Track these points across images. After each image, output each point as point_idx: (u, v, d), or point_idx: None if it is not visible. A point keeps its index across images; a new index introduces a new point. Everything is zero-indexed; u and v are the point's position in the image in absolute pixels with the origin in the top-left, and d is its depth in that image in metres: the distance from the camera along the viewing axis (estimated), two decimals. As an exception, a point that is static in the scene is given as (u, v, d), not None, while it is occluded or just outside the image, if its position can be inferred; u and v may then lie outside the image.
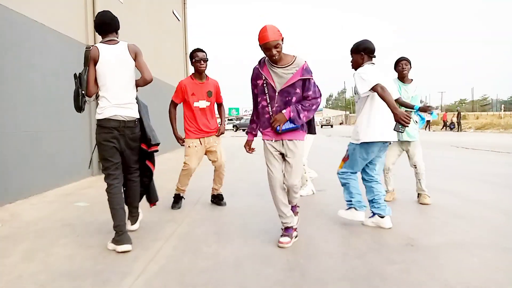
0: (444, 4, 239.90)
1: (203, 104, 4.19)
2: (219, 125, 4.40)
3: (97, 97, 3.07)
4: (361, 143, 3.38)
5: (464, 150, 11.98)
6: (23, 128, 4.94)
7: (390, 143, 3.50)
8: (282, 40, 2.86)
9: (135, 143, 3.16)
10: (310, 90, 2.98)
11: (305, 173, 4.93)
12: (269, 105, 3.03)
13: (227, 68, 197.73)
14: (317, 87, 3.04)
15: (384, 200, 3.56)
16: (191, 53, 4.19)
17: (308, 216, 3.94)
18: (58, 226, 3.64)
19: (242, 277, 2.46)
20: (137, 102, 3.19)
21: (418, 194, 4.48)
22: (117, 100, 3.01)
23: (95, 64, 2.98)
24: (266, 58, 2.99)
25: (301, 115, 2.95)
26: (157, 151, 3.31)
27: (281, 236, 3.06)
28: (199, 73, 4.18)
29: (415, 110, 4.00)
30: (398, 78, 4.42)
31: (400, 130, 4.02)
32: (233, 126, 44.12)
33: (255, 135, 3.32)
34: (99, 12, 3.16)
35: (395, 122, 3.15)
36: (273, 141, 3.06)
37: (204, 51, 4.18)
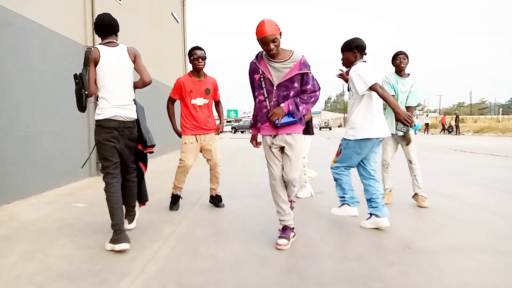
0: (444, 4, 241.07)
1: (200, 101, 4.20)
2: (217, 124, 4.41)
3: (96, 98, 3.10)
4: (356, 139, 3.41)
5: (463, 153, 12.02)
6: (22, 128, 4.94)
7: (383, 139, 3.54)
8: (280, 34, 2.85)
9: (133, 143, 3.22)
10: (309, 84, 2.98)
11: (304, 175, 4.94)
12: (267, 99, 3.02)
13: (227, 68, 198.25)
14: (316, 80, 3.05)
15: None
16: (189, 50, 4.19)
17: (306, 218, 3.95)
18: (57, 227, 3.64)
19: (241, 279, 2.46)
20: (134, 104, 3.23)
21: (415, 194, 4.49)
22: (117, 101, 3.04)
23: (95, 65, 3.01)
24: (264, 52, 2.98)
25: (300, 108, 2.96)
26: (152, 152, 3.36)
27: (279, 237, 3.06)
28: (197, 71, 4.19)
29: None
30: (395, 72, 4.45)
31: (402, 130, 4.08)
32: (232, 128, 44.14)
33: (259, 129, 3.32)
34: (99, 14, 3.18)
35: (396, 121, 3.19)
36: (272, 136, 3.05)
37: (202, 49, 4.18)
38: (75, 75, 2.97)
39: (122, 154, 3.15)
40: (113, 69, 3.05)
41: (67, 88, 5.77)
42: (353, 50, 3.46)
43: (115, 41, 3.15)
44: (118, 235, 2.93)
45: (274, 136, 3.05)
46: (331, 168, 3.62)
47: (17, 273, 2.55)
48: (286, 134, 3.01)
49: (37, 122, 5.27)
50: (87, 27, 6.74)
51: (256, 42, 2.92)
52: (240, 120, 50.57)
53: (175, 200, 4.35)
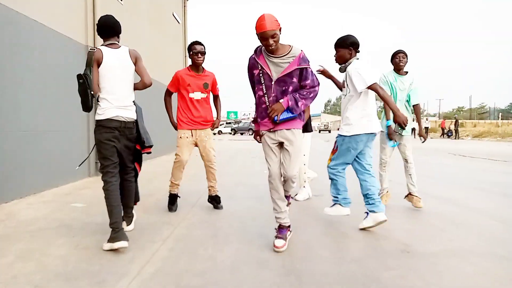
0: (444, 4, 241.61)
1: (198, 95, 4.20)
2: (215, 119, 4.41)
3: (96, 98, 3.12)
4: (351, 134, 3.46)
5: (462, 157, 12.02)
6: (21, 127, 4.93)
7: (376, 134, 3.60)
8: (280, 30, 2.84)
9: (132, 143, 3.27)
10: (308, 79, 2.97)
11: (304, 173, 4.95)
12: (266, 95, 3.01)
13: (227, 68, 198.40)
14: (315, 75, 3.04)
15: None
16: (189, 45, 4.20)
17: (305, 220, 3.94)
18: (55, 227, 3.63)
19: (239, 281, 2.45)
20: (134, 105, 3.28)
21: (409, 193, 4.53)
22: (118, 102, 3.10)
23: (98, 66, 3.05)
24: (262, 47, 2.97)
25: (299, 103, 2.95)
26: (150, 153, 3.42)
27: (276, 238, 3.04)
28: (196, 66, 4.19)
29: (386, 125, 4.26)
30: (394, 70, 4.51)
31: (398, 132, 4.34)
32: (231, 130, 44.14)
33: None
34: (102, 16, 3.23)
35: (394, 123, 3.38)
36: (271, 131, 3.04)
37: (202, 44, 4.19)
38: (79, 75, 2.98)
39: (122, 154, 3.19)
40: (115, 71, 3.10)
41: (67, 88, 5.78)
42: (348, 47, 3.49)
43: (117, 42, 3.20)
44: (117, 233, 2.93)
45: (274, 131, 3.03)
46: (328, 167, 3.64)
47: (14, 273, 2.53)
48: (286, 129, 3.00)
49: (37, 122, 5.26)
50: (88, 26, 6.74)
51: (256, 41, 2.91)
52: (240, 121, 50.60)
53: (173, 200, 4.33)
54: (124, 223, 3.36)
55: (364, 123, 3.44)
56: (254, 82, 3.09)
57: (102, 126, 3.06)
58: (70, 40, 6.17)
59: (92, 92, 3.01)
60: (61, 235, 3.35)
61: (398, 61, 4.43)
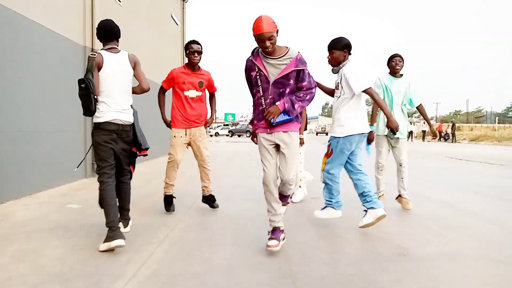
0: (444, 4, 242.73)
1: (193, 93, 4.19)
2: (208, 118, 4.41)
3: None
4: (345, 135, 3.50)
5: (458, 161, 12.06)
6: (18, 128, 4.91)
7: (367, 134, 3.65)
8: (277, 32, 2.83)
9: (129, 146, 3.32)
10: (305, 80, 2.96)
11: (300, 172, 4.95)
12: (262, 97, 3.00)
13: (227, 68, 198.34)
14: (312, 77, 3.03)
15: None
16: (186, 44, 4.20)
17: (301, 223, 3.94)
18: (50, 228, 3.61)
19: (234, 283, 2.44)
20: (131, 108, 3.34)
21: (399, 195, 4.62)
22: (117, 106, 3.15)
23: (98, 70, 3.09)
24: (260, 49, 2.96)
25: (296, 106, 2.94)
26: (146, 155, 3.46)
27: (269, 239, 3.03)
28: (192, 65, 4.19)
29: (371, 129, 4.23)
30: (389, 73, 4.57)
31: (390, 136, 4.45)
32: (229, 132, 44.09)
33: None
34: (102, 20, 3.28)
35: (387, 128, 3.58)
36: (268, 133, 3.03)
37: (199, 43, 4.18)
38: (81, 80, 2.98)
39: (119, 156, 3.23)
40: (115, 75, 3.16)
41: (65, 89, 5.77)
42: (343, 49, 3.51)
43: (116, 47, 3.26)
44: (114, 232, 2.93)
45: (270, 133, 3.02)
46: (325, 172, 3.63)
47: (8, 274, 2.52)
48: (283, 132, 2.99)
49: (34, 122, 5.24)
50: (86, 28, 6.73)
51: (255, 42, 2.91)
52: (237, 123, 50.57)
53: (169, 201, 4.31)
54: (121, 225, 3.34)
55: (355, 123, 3.49)
56: (252, 84, 3.09)
57: (100, 128, 3.10)
58: (68, 41, 6.15)
59: (96, 97, 3.02)
60: (57, 236, 3.34)
61: (394, 64, 4.49)
